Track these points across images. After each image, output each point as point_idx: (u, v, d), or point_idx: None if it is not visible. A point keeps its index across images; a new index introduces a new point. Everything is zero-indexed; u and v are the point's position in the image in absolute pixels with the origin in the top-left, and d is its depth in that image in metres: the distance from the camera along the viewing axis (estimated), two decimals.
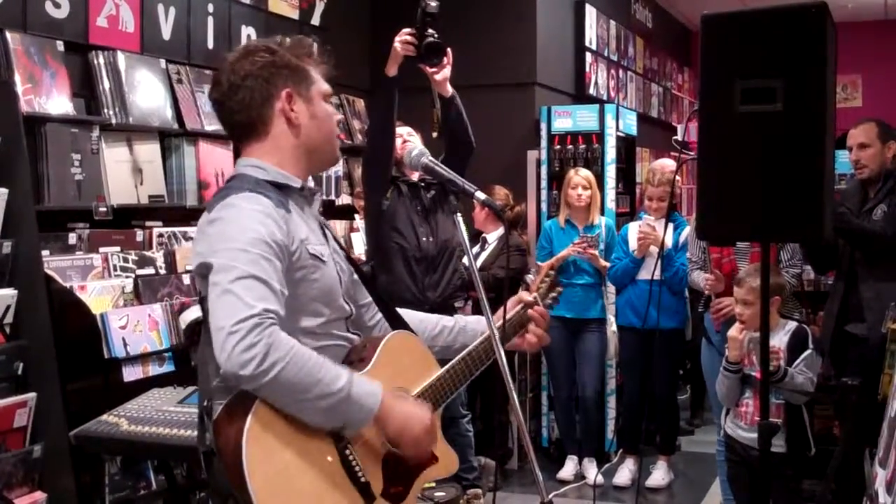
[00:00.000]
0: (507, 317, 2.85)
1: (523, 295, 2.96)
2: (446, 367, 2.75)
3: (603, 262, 6.70)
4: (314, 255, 2.53)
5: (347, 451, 2.45)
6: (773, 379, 4.49)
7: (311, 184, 2.74)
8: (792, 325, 4.85)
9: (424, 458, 2.61)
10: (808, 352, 4.69)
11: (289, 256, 2.45)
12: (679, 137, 10.93)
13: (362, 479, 2.46)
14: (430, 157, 2.73)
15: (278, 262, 2.39)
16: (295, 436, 2.36)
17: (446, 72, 4.73)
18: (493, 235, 6.77)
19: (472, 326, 2.94)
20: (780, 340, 4.71)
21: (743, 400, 4.81)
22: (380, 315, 2.89)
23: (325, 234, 2.68)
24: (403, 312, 2.91)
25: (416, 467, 2.62)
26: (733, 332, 4.72)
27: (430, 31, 4.61)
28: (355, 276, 2.80)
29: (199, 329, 2.68)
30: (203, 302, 2.44)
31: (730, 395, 4.82)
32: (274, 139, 2.60)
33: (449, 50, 4.69)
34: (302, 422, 2.37)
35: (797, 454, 4.69)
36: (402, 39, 4.66)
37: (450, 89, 4.80)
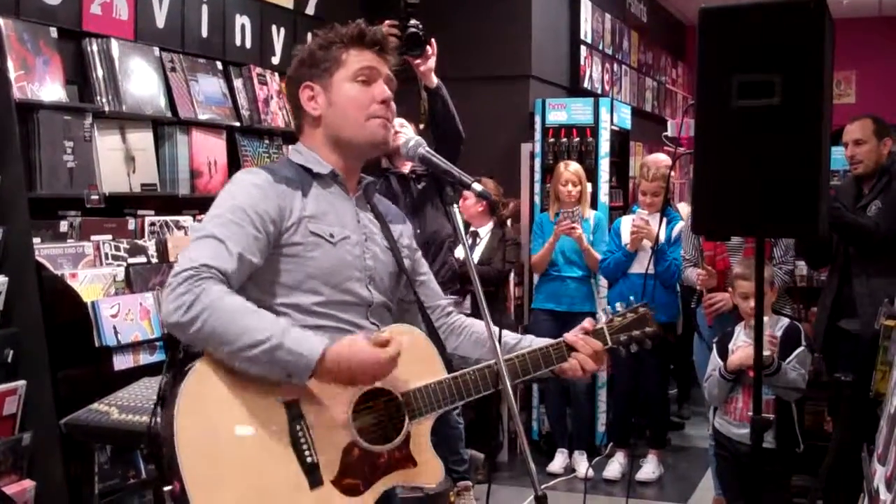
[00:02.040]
0: (563, 338, 2.79)
1: (587, 323, 2.85)
2: (452, 374, 2.66)
3: (587, 245, 6.68)
4: (315, 232, 2.56)
5: (298, 428, 2.41)
6: (766, 372, 4.50)
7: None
8: (784, 321, 4.86)
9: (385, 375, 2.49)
10: (800, 349, 4.69)
11: (277, 230, 2.51)
12: (669, 133, 10.91)
13: (309, 459, 2.41)
14: (427, 148, 2.71)
15: (254, 230, 2.45)
16: (239, 398, 2.37)
17: (431, 63, 4.72)
18: (485, 229, 6.76)
19: (535, 345, 2.81)
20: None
21: (733, 396, 4.81)
22: (459, 321, 2.93)
23: (359, 222, 2.70)
24: (470, 322, 2.90)
25: (385, 465, 2.55)
26: (747, 349, 4.69)
27: (413, 21, 4.62)
28: (393, 270, 2.78)
29: None
30: None
31: (721, 394, 4.82)
32: (307, 129, 2.73)
33: (433, 41, 4.69)
34: (252, 387, 2.38)
35: (786, 450, 4.70)
36: (385, 31, 4.66)
37: (435, 80, 4.79)
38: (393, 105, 2.73)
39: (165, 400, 2.40)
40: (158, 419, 2.43)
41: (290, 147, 2.80)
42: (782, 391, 4.63)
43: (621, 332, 2.84)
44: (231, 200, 2.49)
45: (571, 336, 2.79)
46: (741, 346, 4.76)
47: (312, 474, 2.42)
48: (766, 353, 4.46)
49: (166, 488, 2.36)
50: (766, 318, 4.71)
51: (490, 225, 6.75)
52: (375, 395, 2.55)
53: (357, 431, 2.50)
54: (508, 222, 7.49)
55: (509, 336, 2.87)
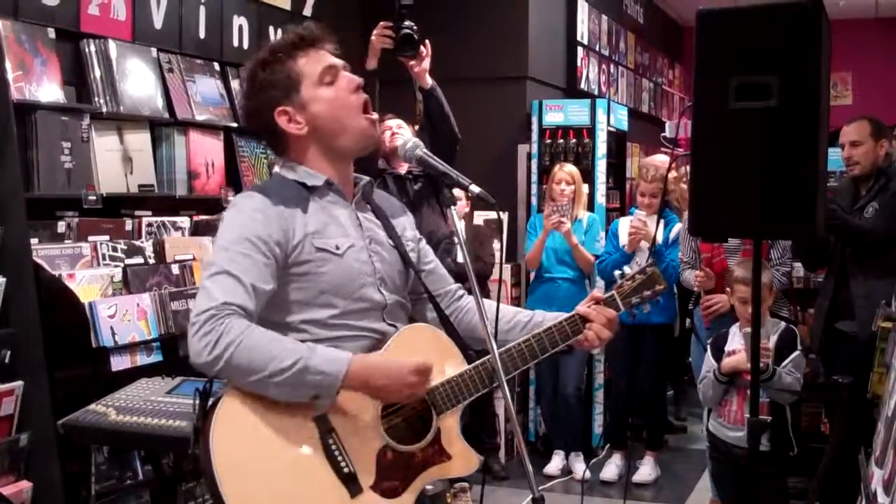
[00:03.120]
0: (576, 311, 2.81)
1: (596, 292, 2.89)
2: (472, 365, 2.68)
3: (575, 240, 6.67)
4: (322, 248, 2.56)
5: (331, 441, 2.44)
6: (761, 378, 4.50)
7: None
8: (781, 325, 4.86)
9: (418, 397, 2.57)
10: (796, 353, 4.70)
11: (284, 252, 2.51)
12: (667, 134, 10.92)
13: (345, 470, 2.44)
14: (425, 150, 2.71)
15: (262, 257, 2.47)
16: (270, 421, 2.42)
17: (425, 64, 4.73)
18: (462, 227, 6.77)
19: (549, 321, 2.83)
20: (769, 340, 4.72)
21: (726, 399, 4.82)
22: (454, 308, 2.94)
23: (360, 226, 2.70)
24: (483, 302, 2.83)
25: (420, 463, 2.59)
26: (734, 349, 4.71)
27: (407, 23, 4.63)
28: (401, 268, 2.80)
29: None
30: None
31: (715, 396, 4.83)
32: (295, 148, 2.69)
33: (427, 42, 4.70)
34: (280, 407, 2.42)
35: (780, 453, 4.70)
36: (379, 32, 4.69)
37: (429, 81, 4.80)
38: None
39: (200, 427, 2.45)
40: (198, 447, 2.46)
41: (277, 166, 2.80)
42: (777, 394, 4.64)
43: (632, 295, 2.87)
44: (236, 230, 2.50)
45: (584, 308, 2.81)
46: (736, 349, 4.76)
47: (351, 483, 2.46)
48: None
49: None
50: (764, 325, 4.73)
51: (463, 223, 6.77)
52: None
53: (387, 434, 2.55)
54: (505, 221, 7.50)
55: (522, 314, 2.90)
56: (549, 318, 2.85)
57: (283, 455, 2.41)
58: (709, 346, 4.98)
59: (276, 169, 2.77)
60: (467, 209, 6.72)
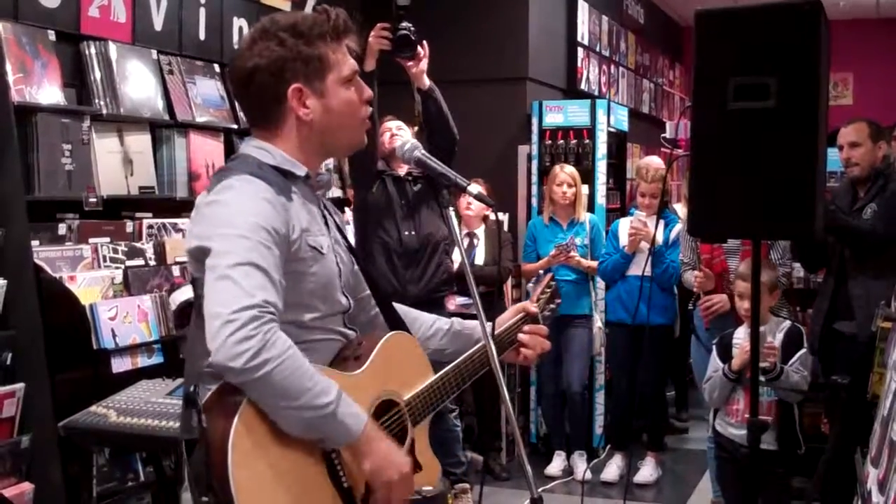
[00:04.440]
0: (506, 325, 2.83)
1: (526, 304, 2.92)
2: (439, 374, 2.67)
3: (587, 263, 6.72)
4: (313, 246, 2.45)
5: (333, 455, 2.39)
6: (769, 377, 4.51)
7: (322, 169, 2.70)
8: (786, 324, 4.86)
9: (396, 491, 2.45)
10: (802, 351, 4.70)
11: (288, 247, 2.37)
12: (667, 135, 10.93)
13: (345, 485, 2.40)
14: (423, 151, 2.71)
15: (277, 250, 2.30)
16: (283, 434, 2.31)
17: (423, 64, 4.74)
18: (480, 230, 6.78)
19: (467, 332, 2.84)
20: (775, 339, 4.72)
21: (734, 398, 4.81)
22: (376, 310, 2.80)
23: (326, 224, 2.59)
24: (399, 308, 2.82)
25: None
26: (745, 345, 4.71)
27: (405, 24, 4.63)
28: (355, 268, 2.71)
29: (190, 311, 2.61)
30: (196, 284, 2.38)
31: (721, 396, 4.83)
32: (287, 129, 2.51)
33: (425, 42, 4.71)
34: None
35: (787, 452, 4.70)
36: (377, 33, 4.70)
37: (427, 82, 4.80)
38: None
39: (206, 444, 2.26)
40: (203, 457, 2.28)
41: (247, 142, 2.56)
42: (784, 393, 4.64)
43: (545, 307, 2.99)
44: (249, 218, 2.30)
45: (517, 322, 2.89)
46: (745, 346, 4.75)
47: (348, 499, 2.42)
48: (764, 364, 4.48)
49: None
50: (767, 323, 4.73)
51: (483, 226, 6.78)
52: (388, 407, 2.57)
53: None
54: (505, 223, 7.52)
55: (440, 321, 2.90)
56: (466, 326, 2.89)
57: (296, 472, 2.34)
58: (714, 347, 4.97)
59: (247, 148, 2.54)
60: (487, 210, 6.71)
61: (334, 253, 2.56)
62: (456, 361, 2.69)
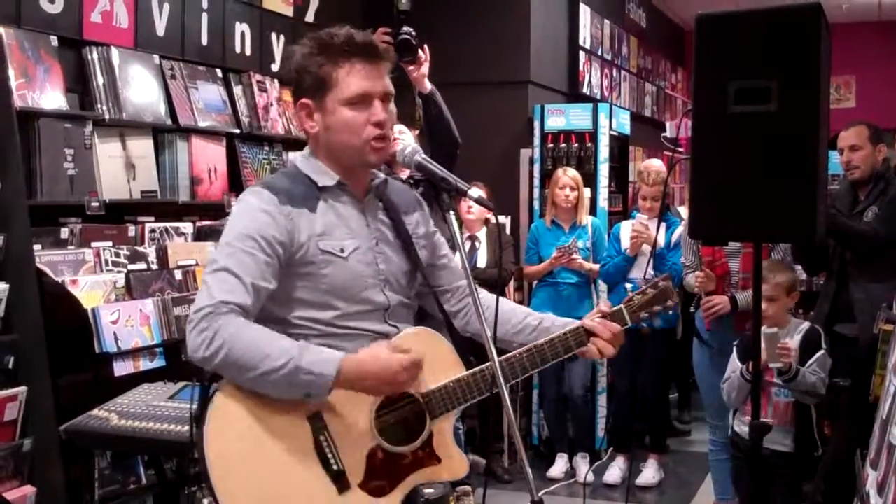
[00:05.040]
0: (572, 326, 2.83)
1: (603, 305, 2.90)
2: (468, 372, 2.70)
3: (589, 266, 6.72)
4: (327, 250, 2.59)
5: (322, 438, 2.50)
6: (784, 378, 4.50)
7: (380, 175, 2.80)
8: (805, 325, 4.83)
9: (408, 386, 2.61)
10: (820, 352, 4.66)
11: (288, 252, 2.54)
12: (668, 134, 10.92)
13: (335, 467, 2.49)
14: (423, 155, 2.72)
15: (264, 255, 2.50)
16: (264, 415, 2.48)
17: (424, 69, 4.75)
18: (482, 233, 6.78)
19: (556, 328, 2.86)
20: (792, 340, 4.71)
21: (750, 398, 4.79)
22: (465, 304, 2.93)
23: (369, 226, 2.71)
24: (491, 300, 2.86)
25: (410, 464, 2.62)
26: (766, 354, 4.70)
27: (406, 28, 4.64)
28: (406, 269, 2.80)
29: None
30: None
31: (739, 397, 4.81)
32: (311, 141, 2.74)
33: (426, 46, 4.71)
34: (275, 404, 2.48)
35: (804, 454, 4.68)
36: (377, 38, 4.71)
37: (428, 86, 4.81)
38: (393, 111, 2.74)
39: (197, 421, 2.51)
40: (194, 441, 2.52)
41: (298, 153, 2.81)
42: (800, 395, 4.63)
43: (642, 309, 2.88)
44: (241, 227, 2.53)
45: (590, 321, 2.82)
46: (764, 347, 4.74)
47: (340, 480, 2.51)
48: (777, 365, 4.47)
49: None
50: (786, 324, 4.73)
51: (485, 229, 6.78)
52: (397, 397, 2.61)
53: (380, 434, 2.58)
54: (507, 226, 7.52)
55: (531, 318, 2.91)
56: (555, 325, 2.88)
57: (274, 449, 2.46)
58: (735, 348, 4.96)
59: (298, 154, 2.79)
60: (488, 213, 6.71)
61: (373, 253, 2.69)
62: (486, 365, 2.68)
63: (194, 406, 2.57)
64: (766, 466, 4.70)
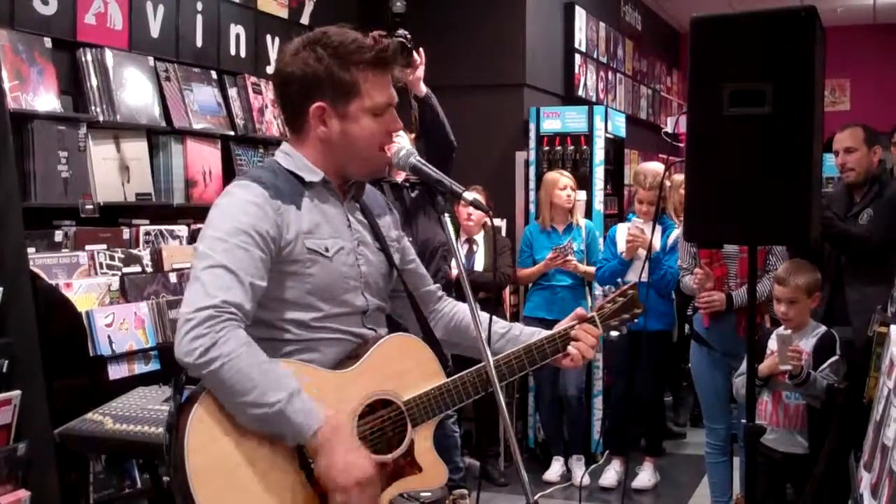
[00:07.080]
0: (553, 331, 2.80)
1: (581, 310, 2.87)
2: (449, 379, 2.67)
3: (584, 268, 6.72)
4: (313, 249, 2.53)
5: (305, 448, 2.42)
6: (795, 381, 4.50)
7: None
8: (821, 329, 4.81)
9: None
10: (834, 357, 4.65)
11: (277, 248, 2.47)
12: (668, 129, 10.94)
13: (316, 475, 2.42)
14: (418, 158, 2.71)
15: (259, 251, 2.42)
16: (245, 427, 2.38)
17: (419, 72, 4.75)
18: (479, 236, 6.78)
19: (524, 338, 2.82)
20: (807, 343, 4.70)
21: (761, 398, 4.78)
22: (450, 306, 2.92)
23: (350, 227, 2.67)
24: (460, 307, 2.88)
25: (391, 473, 2.56)
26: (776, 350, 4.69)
27: (400, 31, 4.64)
28: (389, 270, 2.77)
29: None
30: None
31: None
32: (310, 139, 2.62)
33: (421, 50, 4.71)
34: None
35: (818, 456, 4.67)
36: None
37: (424, 89, 4.81)
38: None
39: (174, 428, 2.38)
40: (171, 447, 2.39)
41: (278, 150, 2.71)
42: (810, 399, 4.62)
43: (612, 317, 2.85)
44: (231, 222, 2.42)
45: (566, 326, 2.80)
46: (774, 350, 4.73)
47: (319, 487, 2.43)
48: (787, 367, 4.47)
49: None
50: (805, 327, 4.73)
51: (483, 232, 6.78)
52: (383, 406, 2.58)
53: (361, 443, 2.50)
54: (503, 229, 7.52)
55: (498, 325, 2.87)
56: (524, 333, 2.86)
57: (257, 458, 2.38)
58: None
59: (277, 151, 2.68)
60: (487, 219, 6.71)
61: (355, 255, 2.65)
62: (471, 370, 2.66)
63: (172, 408, 2.44)
64: (779, 470, 4.70)
